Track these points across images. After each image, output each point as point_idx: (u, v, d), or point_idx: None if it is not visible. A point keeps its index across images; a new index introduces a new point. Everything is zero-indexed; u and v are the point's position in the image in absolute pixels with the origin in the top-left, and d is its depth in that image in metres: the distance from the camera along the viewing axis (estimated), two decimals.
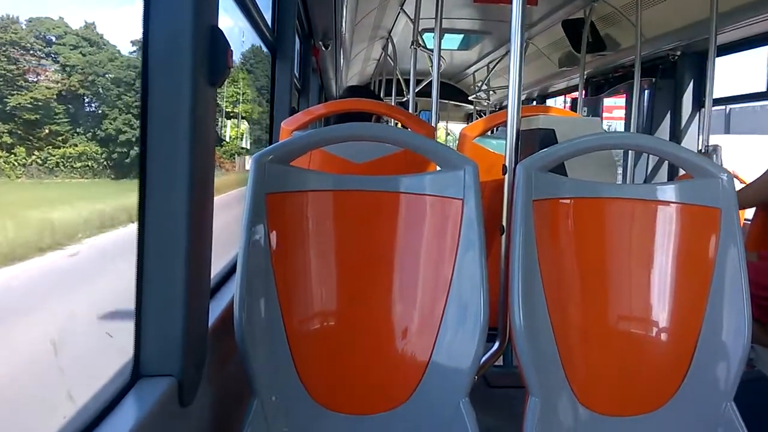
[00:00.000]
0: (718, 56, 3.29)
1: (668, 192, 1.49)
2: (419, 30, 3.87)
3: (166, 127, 0.98)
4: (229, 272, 1.68)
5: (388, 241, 1.41)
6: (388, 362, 1.38)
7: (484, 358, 1.59)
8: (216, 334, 1.27)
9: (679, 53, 4.27)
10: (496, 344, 1.70)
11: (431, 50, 3.44)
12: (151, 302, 1.01)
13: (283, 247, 1.34)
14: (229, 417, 1.39)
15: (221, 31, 1.06)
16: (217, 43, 1.05)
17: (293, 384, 1.32)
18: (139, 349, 1.02)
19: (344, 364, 1.38)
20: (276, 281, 1.32)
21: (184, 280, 1.00)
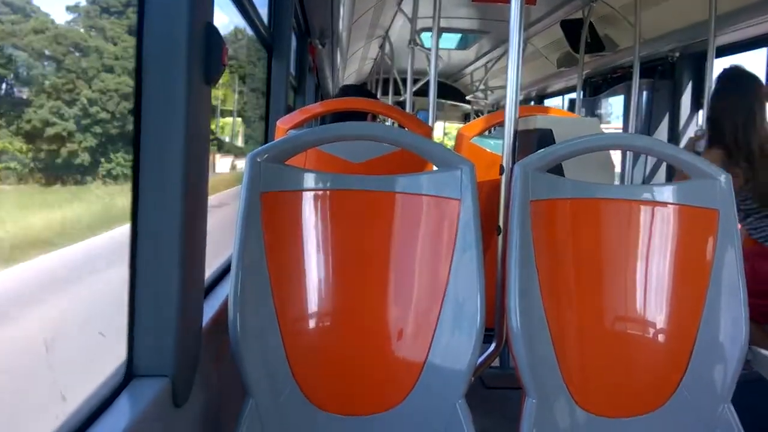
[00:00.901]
0: (716, 58, 3.28)
1: (666, 193, 1.48)
2: (417, 29, 3.86)
3: (160, 126, 0.97)
4: (224, 272, 1.67)
5: (384, 241, 1.41)
6: (384, 363, 1.37)
7: (480, 359, 1.58)
8: (210, 333, 1.26)
9: (677, 54, 4.27)
10: (493, 345, 1.70)
11: (429, 49, 3.44)
12: (144, 302, 1.00)
13: (278, 246, 1.33)
14: (223, 417, 1.38)
15: (216, 28, 1.05)
16: (213, 40, 1.04)
17: (288, 384, 1.31)
18: (132, 348, 1.01)
19: (339, 364, 1.37)
20: (271, 281, 1.31)
21: (178, 279, 1.00)
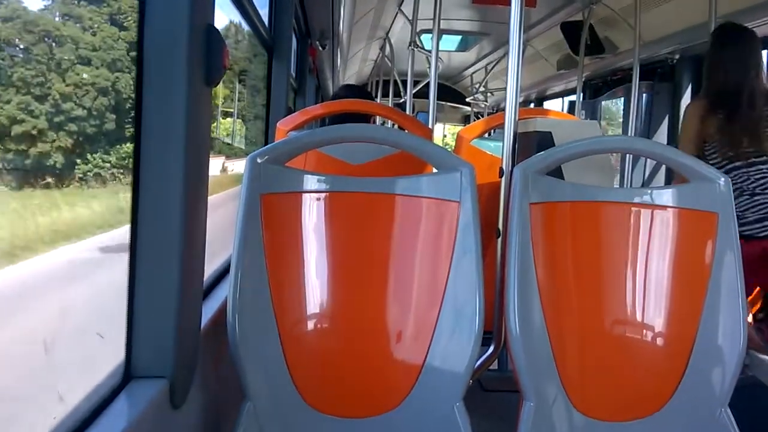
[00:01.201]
0: None
1: (665, 196, 1.48)
2: (417, 31, 3.86)
3: (161, 127, 0.97)
4: (223, 273, 1.67)
5: (383, 244, 1.41)
6: (382, 365, 1.37)
7: (478, 362, 1.58)
8: (209, 335, 1.26)
9: (677, 57, 4.26)
10: (491, 348, 1.69)
11: (429, 51, 3.43)
12: (143, 303, 1.00)
13: (277, 248, 1.33)
14: (221, 419, 1.38)
15: (217, 30, 1.05)
16: (213, 42, 1.04)
17: (286, 387, 1.31)
18: (130, 350, 1.01)
19: (338, 367, 1.37)
20: (270, 283, 1.31)
21: (177, 280, 0.99)
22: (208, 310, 1.34)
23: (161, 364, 1.01)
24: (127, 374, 1.01)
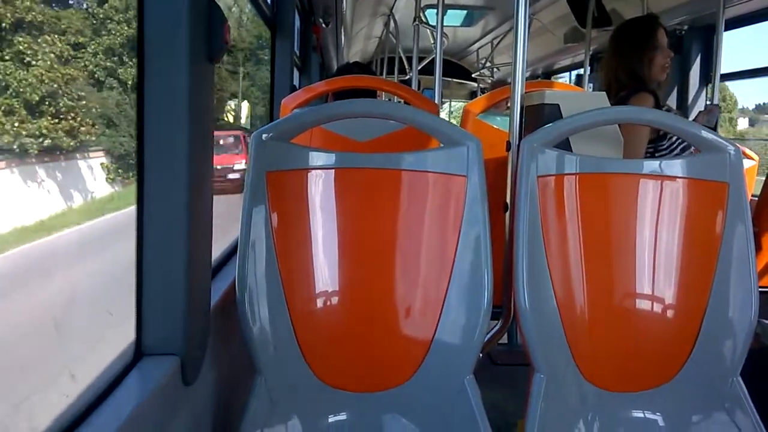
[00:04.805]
0: (725, 31, 3.23)
1: (675, 167, 1.47)
2: (421, 6, 3.81)
3: (164, 105, 0.97)
4: (232, 251, 1.68)
5: (391, 219, 1.40)
6: (392, 340, 1.38)
7: (488, 336, 1.59)
8: (219, 312, 1.26)
9: (686, 28, 4.20)
10: (500, 322, 1.69)
11: (434, 27, 3.39)
12: (152, 281, 1.00)
13: (284, 225, 1.33)
14: (232, 395, 1.40)
15: (218, 5, 1.04)
16: (215, 18, 1.03)
17: (297, 362, 1.31)
18: (141, 327, 1.02)
19: (347, 341, 1.38)
20: (278, 260, 1.31)
21: (185, 258, 1.00)
22: (219, 287, 1.34)
23: (172, 341, 1.01)
24: (139, 352, 1.01)
